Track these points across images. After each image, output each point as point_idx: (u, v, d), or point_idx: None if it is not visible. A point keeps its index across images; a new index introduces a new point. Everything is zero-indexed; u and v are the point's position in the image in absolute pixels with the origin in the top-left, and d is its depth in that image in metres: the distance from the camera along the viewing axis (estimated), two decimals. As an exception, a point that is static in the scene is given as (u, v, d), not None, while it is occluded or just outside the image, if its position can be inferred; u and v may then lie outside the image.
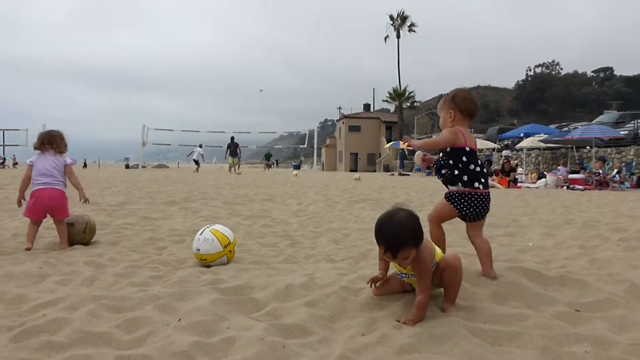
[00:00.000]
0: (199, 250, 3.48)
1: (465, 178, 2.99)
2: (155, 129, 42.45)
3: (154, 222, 6.30)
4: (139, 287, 2.82)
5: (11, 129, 38.56)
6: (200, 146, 31.67)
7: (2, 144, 37.29)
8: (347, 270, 3.29)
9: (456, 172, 3.00)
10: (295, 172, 28.62)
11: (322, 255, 3.99)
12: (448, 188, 3.07)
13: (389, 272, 2.68)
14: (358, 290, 2.73)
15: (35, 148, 4.40)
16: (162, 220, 6.43)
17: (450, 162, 3.02)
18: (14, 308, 2.45)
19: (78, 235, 4.34)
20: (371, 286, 2.67)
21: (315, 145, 46.98)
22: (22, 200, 4.48)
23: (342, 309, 2.43)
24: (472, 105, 3.11)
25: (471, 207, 3.00)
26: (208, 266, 3.45)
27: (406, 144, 3.16)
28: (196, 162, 29.26)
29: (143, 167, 37.55)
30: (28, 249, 4.11)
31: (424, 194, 11.97)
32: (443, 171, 3.06)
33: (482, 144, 32.76)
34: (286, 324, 2.18)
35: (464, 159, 3.01)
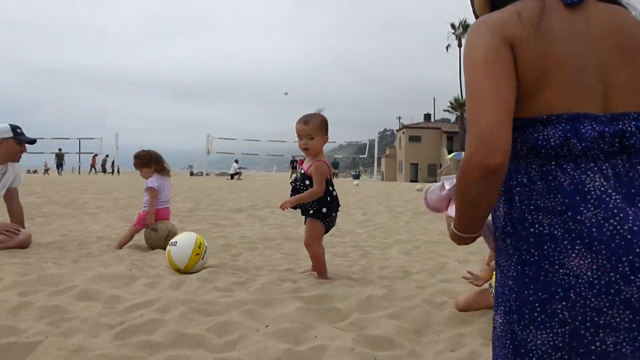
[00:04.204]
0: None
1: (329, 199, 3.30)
2: (219, 138, 43.81)
3: (224, 228, 6.49)
4: (223, 292, 2.91)
5: (87, 138, 40.95)
6: (236, 161, 33.94)
7: (78, 151, 39.62)
8: (426, 284, 3.25)
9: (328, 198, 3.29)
10: (356, 182, 28.64)
11: (396, 267, 3.97)
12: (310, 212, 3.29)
13: (481, 287, 2.62)
14: (440, 304, 2.69)
15: (156, 170, 4.89)
16: (231, 228, 6.61)
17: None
18: (111, 307, 2.59)
19: (160, 241, 4.54)
20: (469, 276, 2.64)
21: (376, 155, 46.85)
22: None
23: (427, 323, 2.40)
24: None
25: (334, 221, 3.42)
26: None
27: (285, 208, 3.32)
28: (236, 174, 30.93)
29: (207, 174, 38.77)
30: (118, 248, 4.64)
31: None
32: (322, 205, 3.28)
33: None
34: (373, 336, 2.18)
35: (330, 188, 3.31)
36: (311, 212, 3.29)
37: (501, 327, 1.14)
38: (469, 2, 1.38)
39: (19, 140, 4.56)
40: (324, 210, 3.29)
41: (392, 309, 2.56)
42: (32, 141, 4.74)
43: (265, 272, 3.62)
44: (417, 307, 2.57)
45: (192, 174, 40.72)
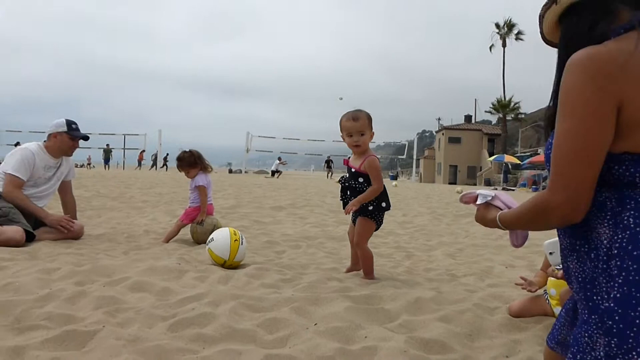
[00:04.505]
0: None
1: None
2: (259, 136, 44.27)
3: (266, 226, 6.55)
4: (271, 289, 2.93)
5: (132, 134, 42.18)
6: (279, 159, 35.59)
7: (123, 147, 40.83)
8: (475, 288, 3.19)
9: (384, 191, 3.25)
10: (394, 182, 28.43)
11: (442, 270, 3.91)
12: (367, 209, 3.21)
13: (535, 293, 2.55)
14: (492, 309, 2.63)
15: (201, 169, 4.97)
16: (273, 225, 6.66)
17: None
18: (163, 299, 2.65)
19: (205, 235, 4.61)
20: (523, 281, 2.59)
21: (415, 156, 46.40)
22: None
23: (479, 328, 2.35)
24: None
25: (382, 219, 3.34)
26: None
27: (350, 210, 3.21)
28: (277, 171, 32.60)
29: (245, 172, 39.24)
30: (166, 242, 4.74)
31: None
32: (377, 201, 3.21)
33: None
34: (425, 338, 2.15)
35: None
36: (371, 207, 3.18)
37: (603, 350, 1.09)
38: (538, 21, 1.36)
39: (72, 135, 4.72)
40: (383, 204, 3.22)
41: (442, 312, 2.52)
42: (85, 137, 4.90)
43: (311, 270, 3.63)
44: (468, 311, 2.52)
45: (230, 171, 41.30)
